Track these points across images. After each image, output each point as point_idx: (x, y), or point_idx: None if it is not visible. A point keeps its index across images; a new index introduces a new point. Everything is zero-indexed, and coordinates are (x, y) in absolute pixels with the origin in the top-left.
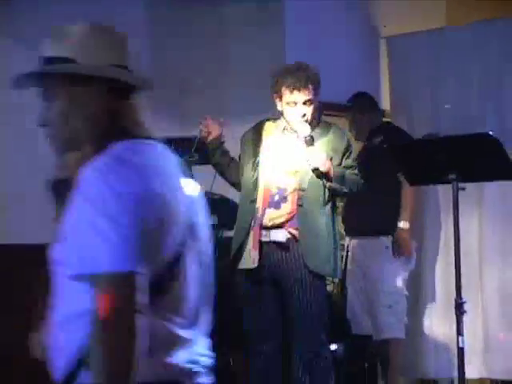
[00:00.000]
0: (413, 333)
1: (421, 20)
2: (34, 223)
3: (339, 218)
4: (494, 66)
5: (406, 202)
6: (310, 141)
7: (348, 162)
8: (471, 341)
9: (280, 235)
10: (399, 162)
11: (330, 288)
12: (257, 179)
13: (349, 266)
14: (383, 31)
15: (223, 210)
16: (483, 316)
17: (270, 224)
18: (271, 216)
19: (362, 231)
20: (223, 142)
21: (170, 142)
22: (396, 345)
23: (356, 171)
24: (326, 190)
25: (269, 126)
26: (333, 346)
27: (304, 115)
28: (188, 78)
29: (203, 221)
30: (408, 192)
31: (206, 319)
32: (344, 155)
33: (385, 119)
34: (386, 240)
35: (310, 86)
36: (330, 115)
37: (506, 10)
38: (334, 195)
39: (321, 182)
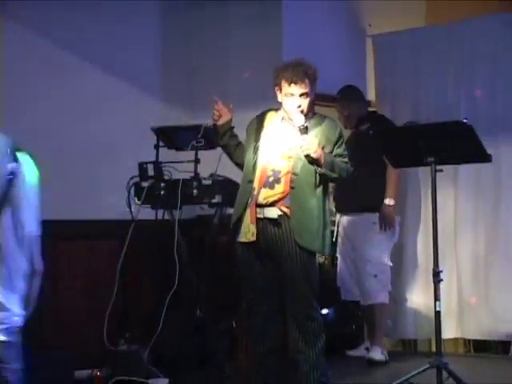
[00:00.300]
0: (396, 298)
1: (403, 19)
2: None
3: (330, 197)
4: (467, 61)
5: (390, 181)
6: (304, 130)
7: (339, 150)
8: (447, 305)
9: (272, 212)
10: (384, 147)
11: (321, 259)
12: (256, 162)
13: (339, 239)
14: (369, 30)
15: (226, 190)
16: (457, 283)
17: (264, 202)
18: (265, 195)
19: (351, 209)
20: (233, 127)
21: (179, 129)
22: (381, 309)
23: (346, 159)
24: (317, 174)
25: (270, 115)
26: (324, 311)
27: (299, 106)
28: (196, 73)
29: (20, 194)
30: (392, 173)
31: (18, 276)
32: (335, 144)
33: (371, 109)
34: (373, 216)
35: (307, 81)
36: (321, 105)
37: (479, 11)
38: (324, 179)
39: (312, 167)
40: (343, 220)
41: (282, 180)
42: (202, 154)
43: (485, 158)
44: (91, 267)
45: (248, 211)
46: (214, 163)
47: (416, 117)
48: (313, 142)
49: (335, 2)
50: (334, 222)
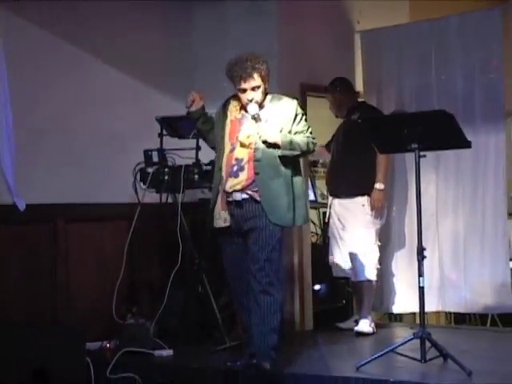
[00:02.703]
0: (383, 275)
1: (388, 16)
2: None
3: (322, 181)
4: (447, 54)
5: (380, 167)
6: (258, 118)
7: (298, 127)
8: (429, 280)
9: (237, 196)
10: (371, 134)
11: (314, 239)
12: (223, 151)
13: (331, 220)
14: (357, 26)
15: None
16: (439, 260)
17: (230, 190)
18: (231, 183)
19: (342, 192)
20: (206, 113)
21: (182, 118)
22: (369, 285)
23: (308, 134)
24: (278, 156)
25: (232, 105)
26: (317, 287)
27: (252, 99)
28: (196, 68)
29: None
30: (382, 159)
31: None
32: (293, 122)
33: (360, 99)
34: (362, 200)
35: (255, 75)
36: (313, 96)
37: (457, 8)
38: (287, 158)
39: (273, 151)
40: (335, 203)
41: (246, 167)
42: (202, 141)
43: (465, 144)
44: (101, 247)
45: (219, 198)
46: (213, 150)
47: (401, 106)
48: (267, 129)
49: (327, 4)
50: (326, 204)
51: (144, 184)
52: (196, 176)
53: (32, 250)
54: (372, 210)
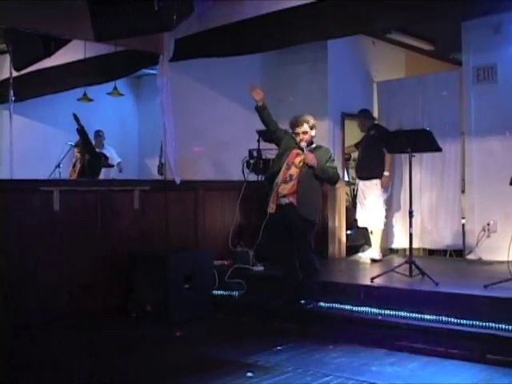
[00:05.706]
0: (387, 225)
1: (393, 71)
2: None
3: (351, 170)
4: (427, 98)
5: (387, 161)
6: (303, 150)
7: (329, 164)
8: (414, 229)
9: (283, 201)
10: (384, 143)
11: (347, 204)
12: (280, 169)
13: (358, 193)
14: (375, 78)
15: None
16: (420, 218)
17: (281, 192)
18: (282, 187)
19: (364, 177)
20: (266, 107)
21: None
22: (380, 231)
23: (335, 170)
24: (313, 175)
25: (296, 148)
26: (348, 232)
27: (301, 139)
28: (280, 101)
29: None
30: (388, 157)
31: None
32: (327, 161)
33: (376, 122)
34: (376, 181)
35: (305, 125)
36: (349, 119)
37: (434, 66)
38: (318, 178)
39: (310, 171)
40: (360, 183)
41: (293, 179)
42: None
43: (438, 149)
44: (223, 205)
45: (273, 194)
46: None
47: (400, 126)
48: (309, 156)
49: (356, 60)
50: (355, 183)
51: (248, 169)
52: None
53: (184, 206)
54: (382, 187)
